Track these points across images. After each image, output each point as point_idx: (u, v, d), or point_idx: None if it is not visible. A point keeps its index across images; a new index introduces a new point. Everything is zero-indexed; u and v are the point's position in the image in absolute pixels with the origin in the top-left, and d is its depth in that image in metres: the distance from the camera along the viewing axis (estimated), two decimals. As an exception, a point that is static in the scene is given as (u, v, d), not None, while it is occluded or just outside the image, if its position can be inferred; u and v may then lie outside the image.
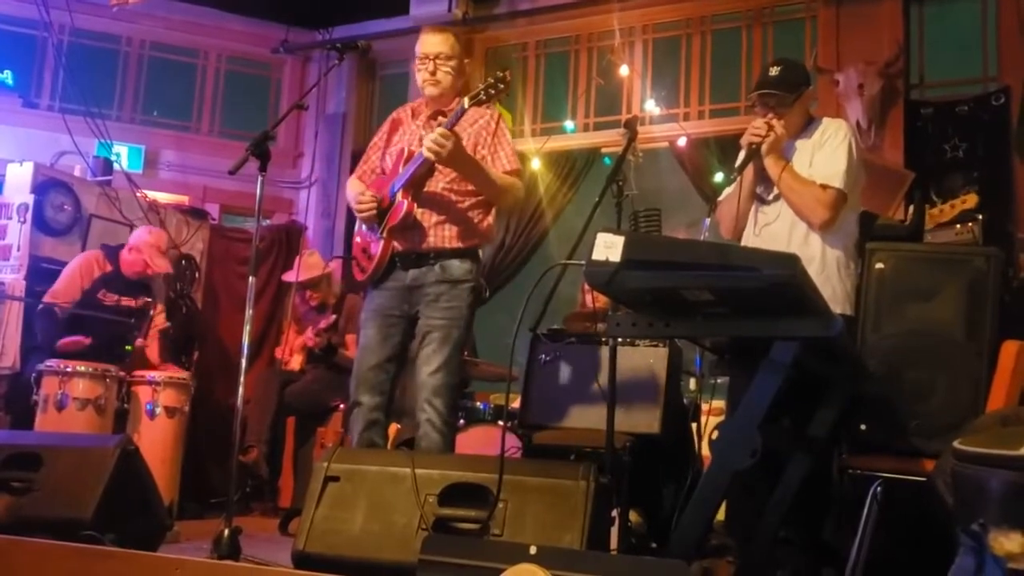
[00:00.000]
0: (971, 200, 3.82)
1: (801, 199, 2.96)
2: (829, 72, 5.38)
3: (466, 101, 3.07)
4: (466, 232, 3.27)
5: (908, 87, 5.36)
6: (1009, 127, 4.89)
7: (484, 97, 3.05)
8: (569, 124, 6.42)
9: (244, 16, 6.98)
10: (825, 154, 2.99)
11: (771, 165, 2.99)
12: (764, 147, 2.98)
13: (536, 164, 6.17)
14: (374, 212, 3.27)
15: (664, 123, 6.06)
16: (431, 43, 3.32)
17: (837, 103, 5.37)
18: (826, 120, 3.15)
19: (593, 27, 6.39)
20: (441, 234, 3.24)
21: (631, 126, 3.44)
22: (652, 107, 6.12)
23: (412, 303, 3.26)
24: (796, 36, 5.90)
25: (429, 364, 3.17)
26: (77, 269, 4.83)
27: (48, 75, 6.69)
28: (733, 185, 3.15)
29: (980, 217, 3.78)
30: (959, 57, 5.54)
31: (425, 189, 3.26)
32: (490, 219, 3.36)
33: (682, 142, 5.84)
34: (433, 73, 3.30)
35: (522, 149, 6.31)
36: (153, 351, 4.96)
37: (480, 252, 3.36)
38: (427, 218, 3.24)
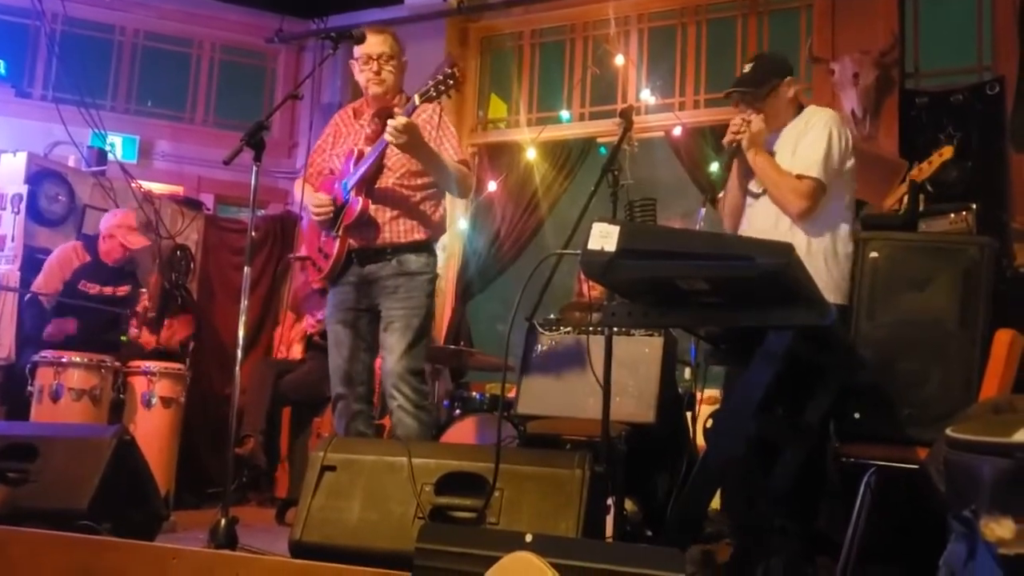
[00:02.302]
0: (947, 151, 3.83)
1: (778, 190, 3.01)
2: (824, 61, 5.39)
3: (416, 98, 3.15)
4: (420, 225, 3.36)
5: (903, 76, 5.36)
6: (1004, 117, 4.90)
7: (434, 93, 3.13)
8: (565, 114, 6.42)
9: (238, 6, 6.95)
10: (805, 144, 3.02)
11: (752, 159, 3.05)
12: (744, 142, 3.05)
13: (532, 154, 6.16)
14: (331, 215, 3.33)
15: (659, 112, 6.06)
16: (373, 44, 3.39)
17: (832, 92, 5.37)
18: (811, 108, 3.19)
19: (588, 16, 6.39)
20: (396, 229, 3.32)
21: (626, 116, 3.45)
22: (647, 96, 6.11)
23: (372, 296, 3.34)
24: (791, 25, 5.90)
25: (392, 352, 3.25)
26: (56, 261, 4.82)
27: (41, 65, 6.67)
28: (729, 181, 3.23)
29: (975, 206, 3.78)
30: (954, 47, 5.55)
31: (376, 185, 3.33)
32: (441, 211, 3.46)
33: (677, 131, 5.84)
34: (378, 72, 3.39)
35: (518, 139, 6.33)
36: (145, 338, 4.95)
37: (435, 245, 3.45)
38: (381, 214, 3.32)
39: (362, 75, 3.42)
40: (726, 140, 3.11)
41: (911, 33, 5.49)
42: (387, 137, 3.12)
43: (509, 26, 6.66)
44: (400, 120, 3.09)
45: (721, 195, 3.32)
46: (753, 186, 3.14)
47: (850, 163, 3.07)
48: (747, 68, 3.17)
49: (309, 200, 3.42)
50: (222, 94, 7.20)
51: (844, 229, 3.05)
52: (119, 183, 5.63)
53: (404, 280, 3.30)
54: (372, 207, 3.31)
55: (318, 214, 3.35)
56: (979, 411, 2.15)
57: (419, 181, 3.36)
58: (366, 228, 3.31)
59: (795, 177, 2.98)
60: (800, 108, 3.18)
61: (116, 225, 4.87)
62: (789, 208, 2.99)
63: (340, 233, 3.32)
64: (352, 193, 3.30)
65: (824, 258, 2.98)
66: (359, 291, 3.35)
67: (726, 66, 5.94)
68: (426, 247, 3.38)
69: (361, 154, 3.34)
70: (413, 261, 3.32)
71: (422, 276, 3.33)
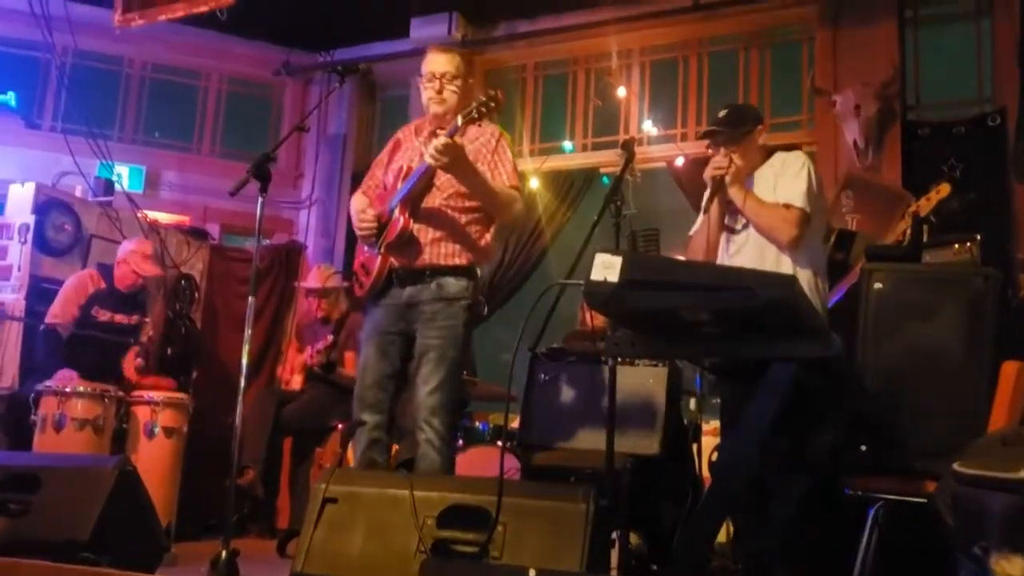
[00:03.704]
0: (944, 189, 3.85)
1: (768, 220, 3.04)
2: (826, 93, 5.42)
3: (459, 119, 3.09)
4: (463, 249, 3.27)
5: (905, 108, 5.39)
6: (1006, 148, 4.91)
7: (476, 115, 3.07)
8: (568, 144, 6.46)
9: (246, 39, 7.01)
10: (787, 179, 3.08)
11: (735, 194, 3.09)
12: (728, 178, 3.08)
13: (535, 184, 6.19)
14: (374, 229, 3.29)
15: (662, 143, 6.10)
16: (438, 62, 3.35)
17: (834, 124, 5.40)
18: (781, 153, 3.25)
19: (591, 49, 6.44)
20: (437, 251, 3.25)
21: (629, 147, 3.47)
22: (650, 128, 6.15)
23: (409, 320, 3.26)
24: (793, 58, 5.95)
25: (427, 384, 3.17)
26: (71, 288, 4.83)
27: (51, 96, 6.74)
28: (701, 219, 3.25)
29: (979, 237, 3.78)
30: (955, 79, 5.58)
31: (423, 205, 3.26)
32: (488, 237, 3.36)
33: (679, 162, 5.87)
34: (440, 92, 3.33)
35: (521, 169, 6.34)
36: (128, 364, 4.81)
37: (478, 270, 3.35)
38: (424, 234, 3.25)
39: (424, 93, 3.37)
40: (708, 175, 3.15)
41: (912, 65, 5.53)
42: (427, 158, 3.08)
43: (513, 59, 6.72)
44: (440, 140, 3.03)
45: (692, 232, 3.33)
46: (734, 223, 3.18)
47: (822, 202, 3.17)
48: (722, 113, 3.23)
49: (355, 209, 3.38)
50: (229, 125, 7.26)
51: (822, 263, 3.14)
52: (125, 213, 5.66)
53: (442, 306, 3.21)
54: (415, 227, 3.24)
55: (360, 227, 3.31)
56: (987, 444, 2.13)
57: (467, 203, 3.27)
58: (407, 247, 3.24)
59: (783, 206, 3.03)
60: (769, 153, 3.24)
61: (131, 251, 4.89)
62: (780, 236, 3.02)
63: (382, 251, 3.26)
64: (396, 211, 3.24)
65: (808, 288, 3.00)
66: (396, 313, 3.27)
67: (727, 98, 5.96)
68: (467, 272, 3.27)
69: (409, 171, 3.27)
70: (452, 285, 3.22)
71: (460, 302, 3.22)
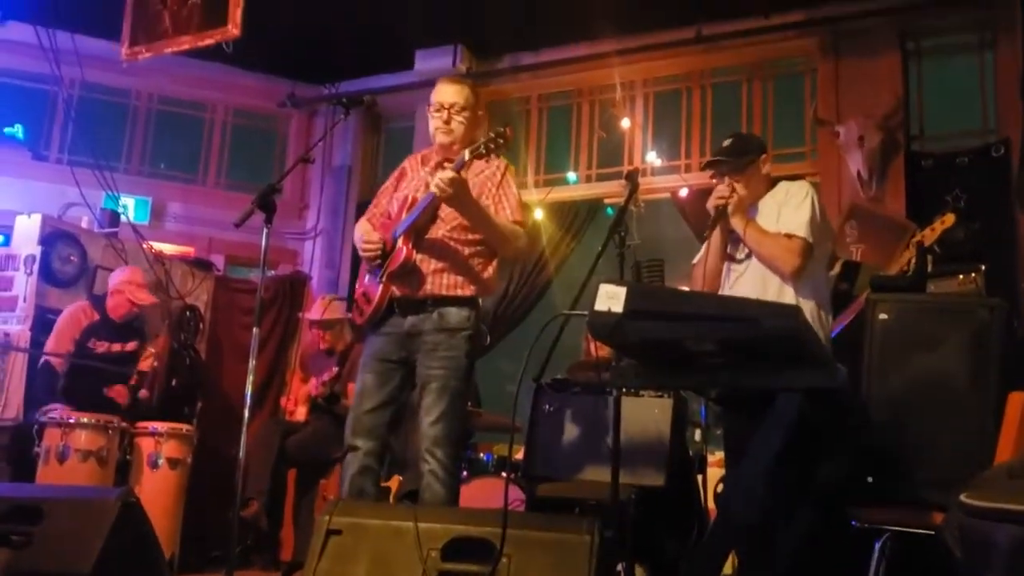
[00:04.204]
0: (949, 219, 3.86)
1: (770, 250, 3.03)
2: (829, 124, 5.45)
3: (466, 153, 3.11)
4: (466, 281, 3.27)
5: (908, 139, 5.41)
6: (1009, 178, 4.93)
7: (483, 151, 3.10)
8: (572, 175, 6.50)
9: (251, 71, 7.08)
10: (790, 208, 3.07)
11: (738, 223, 3.09)
12: (730, 207, 3.09)
13: (539, 214, 6.22)
14: (378, 255, 3.30)
15: (665, 174, 6.12)
16: (447, 93, 3.37)
17: (838, 155, 5.42)
18: (785, 182, 3.25)
19: (594, 81, 6.49)
20: (440, 281, 3.24)
21: (632, 178, 3.48)
22: (653, 159, 6.18)
23: (410, 350, 3.25)
24: (796, 89, 5.99)
25: (429, 414, 3.15)
26: (64, 323, 4.83)
27: (57, 129, 6.79)
28: (703, 248, 3.25)
29: (983, 268, 3.79)
30: (958, 110, 5.60)
31: (427, 236, 3.27)
32: (491, 270, 3.35)
33: (683, 193, 5.89)
34: (447, 122, 3.34)
35: (526, 200, 6.37)
36: (120, 393, 4.75)
37: (480, 301, 3.35)
38: (427, 265, 3.25)
39: (432, 122, 3.38)
40: (711, 204, 3.14)
41: (915, 96, 5.56)
42: (432, 189, 3.09)
43: (517, 91, 6.77)
44: (447, 174, 3.04)
45: (696, 261, 3.32)
46: (737, 252, 3.17)
47: (826, 231, 3.15)
48: (726, 143, 3.23)
49: (361, 234, 3.38)
50: (234, 157, 7.31)
51: (826, 294, 3.12)
52: (131, 244, 5.69)
53: (444, 337, 3.20)
54: (418, 257, 3.24)
55: (365, 250, 3.31)
56: (994, 475, 2.11)
57: (470, 236, 3.27)
58: (410, 277, 3.24)
59: (785, 236, 3.02)
60: (773, 183, 3.24)
61: (124, 281, 4.90)
62: (782, 266, 3.01)
63: (384, 279, 3.27)
64: (400, 240, 3.25)
65: (811, 319, 2.99)
66: (397, 342, 3.26)
67: (731, 129, 5.97)
68: (469, 303, 3.27)
69: (414, 201, 3.28)
70: (454, 315, 3.22)
71: (462, 332, 3.22)
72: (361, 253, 3.37)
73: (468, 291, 3.26)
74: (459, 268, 3.26)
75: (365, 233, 3.37)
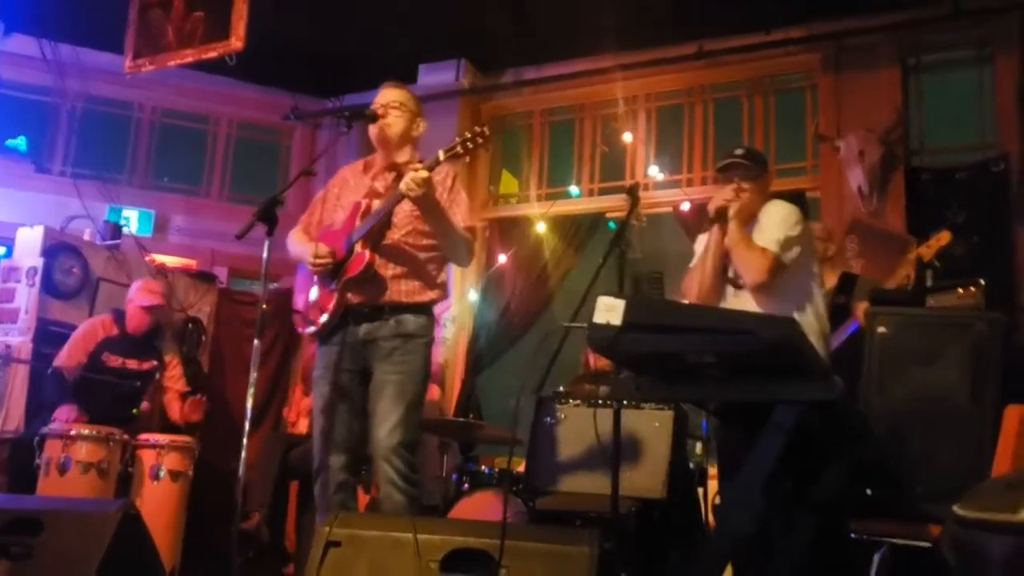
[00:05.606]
0: (944, 237, 3.88)
1: (743, 258, 3.06)
2: (830, 139, 5.47)
3: (441, 153, 3.03)
4: (424, 287, 3.25)
5: (908, 154, 5.43)
6: (1009, 193, 4.94)
7: (460, 150, 3.01)
8: (574, 189, 6.52)
9: (254, 84, 7.12)
10: (768, 224, 3.09)
11: (733, 228, 3.09)
12: (732, 210, 3.10)
13: (542, 228, 6.24)
14: (330, 264, 3.24)
15: (667, 188, 6.14)
16: (381, 96, 3.39)
17: (838, 170, 5.44)
18: (774, 201, 3.24)
19: (597, 96, 6.52)
20: (398, 288, 3.21)
21: (634, 191, 3.49)
22: (655, 173, 6.20)
23: (366, 357, 3.21)
24: (797, 104, 6.01)
25: (385, 422, 3.10)
26: (80, 334, 4.84)
27: (61, 141, 6.82)
28: (698, 256, 3.25)
29: (982, 282, 3.79)
30: (958, 124, 5.62)
31: (383, 242, 3.24)
32: (444, 276, 3.36)
33: (685, 207, 5.91)
34: (384, 116, 3.33)
35: (526, 213, 6.41)
36: (175, 410, 4.92)
37: (434, 309, 3.33)
38: (385, 270, 3.22)
39: (372, 128, 3.36)
40: (714, 205, 3.16)
41: (915, 111, 5.58)
42: (402, 186, 3.03)
43: (520, 105, 6.80)
44: (421, 173, 2.99)
45: (691, 265, 3.31)
46: (740, 277, 3.14)
47: (806, 249, 3.13)
48: (739, 151, 3.24)
49: (304, 249, 3.33)
50: (237, 170, 7.33)
51: (822, 307, 3.12)
52: (133, 256, 5.71)
53: (400, 342, 3.17)
54: (377, 262, 3.21)
55: (316, 264, 3.25)
56: (992, 487, 2.12)
57: (425, 241, 3.26)
58: (369, 284, 3.20)
59: (760, 250, 3.03)
60: (767, 201, 3.25)
61: (135, 289, 4.93)
62: (748, 277, 3.04)
63: (339, 287, 3.22)
64: (358, 247, 3.20)
65: (808, 333, 2.99)
66: (352, 351, 3.21)
67: (732, 144, 6.01)
68: (426, 309, 3.26)
69: (369, 208, 3.25)
70: (411, 322, 3.19)
71: (419, 339, 3.20)
72: (310, 266, 3.29)
73: (425, 297, 3.25)
74: (416, 273, 3.25)
75: (310, 245, 3.32)
